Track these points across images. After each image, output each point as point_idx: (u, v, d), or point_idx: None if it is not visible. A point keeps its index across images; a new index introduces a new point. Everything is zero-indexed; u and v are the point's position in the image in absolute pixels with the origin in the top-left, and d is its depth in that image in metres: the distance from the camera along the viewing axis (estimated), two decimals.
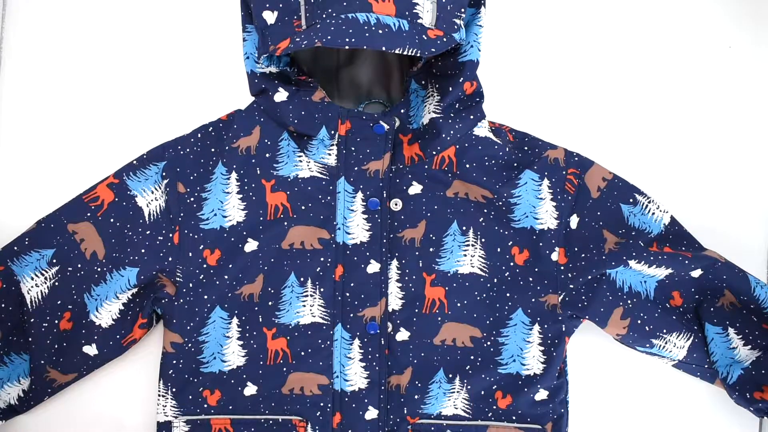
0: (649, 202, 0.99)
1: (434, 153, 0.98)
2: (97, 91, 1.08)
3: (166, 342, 0.97)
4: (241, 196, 0.98)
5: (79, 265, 0.97)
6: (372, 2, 0.87)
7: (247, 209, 0.98)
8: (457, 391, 0.97)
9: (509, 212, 0.98)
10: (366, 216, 0.98)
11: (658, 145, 1.07)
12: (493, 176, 0.98)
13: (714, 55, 1.09)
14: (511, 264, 0.99)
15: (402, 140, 0.99)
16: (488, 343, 0.98)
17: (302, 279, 0.97)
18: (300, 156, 0.99)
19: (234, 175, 0.98)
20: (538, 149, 1.00)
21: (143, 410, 1.02)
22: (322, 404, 0.96)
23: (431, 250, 0.98)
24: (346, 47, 0.86)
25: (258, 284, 0.98)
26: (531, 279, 0.98)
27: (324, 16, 0.87)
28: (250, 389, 0.97)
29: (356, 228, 0.97)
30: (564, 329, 0.98)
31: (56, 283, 0.96)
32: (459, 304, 0.98)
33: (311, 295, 0.97)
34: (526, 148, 1.00)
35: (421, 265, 0.98)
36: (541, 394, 0.97)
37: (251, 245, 0.98)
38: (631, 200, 0.99)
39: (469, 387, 0.97)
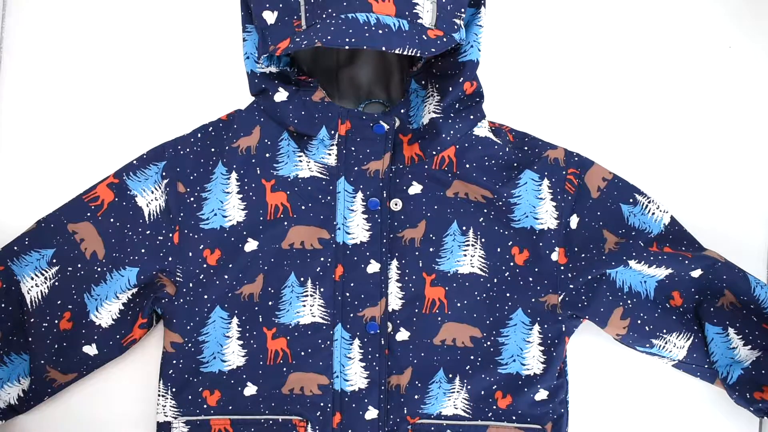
0: (649, 202, 0.99)
1: (434, 153, 0.98)
2: (97, 91, 1.08)
3: (166, 342, 0.97)
4: (241, 195, 0.98)
5: (79, 265, 0.96)
6: (372, 2, 0.87)
7: (247, 209, 0.98)
8: (457, 391, 0.97)
9: (509, 212, 0.98)
10: (366, 216, 0.98)
11: (658, 145, 1.08)
12: (493, 176, 0.98)
13: (714, 55, 1.09)
14: (511, 264, 0.99)
15: (402, 140, 0.99)
16: (488, 343, 0.98)
17: (302, 279, 0.97)
18: (300, 156, 0.99)
19: (234, 174, 0.98)
20: (538, 149, 1.00)
21: (143, 410, 1.02)
22: (322, 404, 0.96)
23: (431, 250, 0.98)
24: (346, 47, 0.86)
25: (258, 284, 0.98)
26: (531, 279, 0.98)
27: (324, 16, 0.87)
28: (250, 389, 0.97)
29: (356, 228, 0.97)
30: (564, 329, 0.98)
31: (56, 283, 0.96)
32: (459, 304, 0.98)
33: (311, 295, 0.97)
34: (526, 148, 1.00)
35: (421, 265, 0.98)
36: (541, 394, 0.97)
37: (251, 245, 0.98)
38: (631, 200, 0.99)
39: (469, 387, 0.97)
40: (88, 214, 0.97)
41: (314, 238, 0.98)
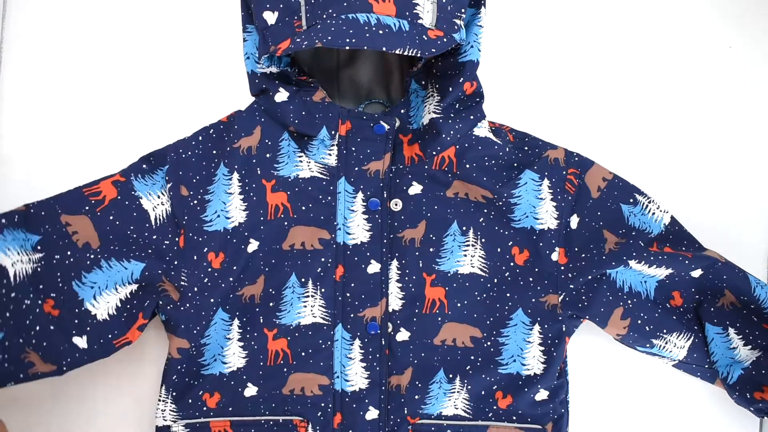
0: (650, 202, 0.99)
1: (434, 153, 0.98)
2: (98, 91, 1.08)
3: (172, 348, 0.96)
4: (242, 196, 0.98)
5: (69, 253, 0.93)
6: (372, 2, 0.87)
7: (247, 209, 0.98)
8: (458, 391, 0.97)
9: (509, 212, 0.98)
10: (366, 216, 0.98)
11: (658, 145, 1.08)
12: (493, 176, 0.98)
13: (714, 55, 1.09)
14: (511, 264, 0.99)
15: (402, 140, 0.99)
16: (488, 343, 0.98)
17: (303, 279, 0.97)
18: (300, 156, 0.99)
19: (236, 175, 0.98)
20: (538, 149, 1.00)
21: (141, 415, 1.02)
22: (323, 405, 0.96)
23: (431, 250, 0.98)
24: (347, 48, 0.86)
25: (259, 285, 0.97)
26: (531, 279, 0.98)
27: (324, 16, 0.87)
28: (251, 390, 0.97)
29: (356, 228, 0.97)
30: (564, 329, 0.98)
31: (39, 269, 0.92)
32: (459, 305, 0.98)
33: (312, 296, 0.97)
34: (526, 148, 1.00)
35: (421, 265, 0.98)
36: (542, 395, 0.97)
37: (252, 245, 0.98)
38: (631, 200, 0.99)
39: (469, 387, 0.97)
40: (87, 208, 0.95)
41: (315, 238, 0.98)
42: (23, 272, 0.90)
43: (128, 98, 1.08)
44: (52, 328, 0.92)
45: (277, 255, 0.97)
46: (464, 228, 0.99)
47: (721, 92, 1.09)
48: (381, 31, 0.86)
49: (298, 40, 0.87)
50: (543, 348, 0.98)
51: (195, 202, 0.97)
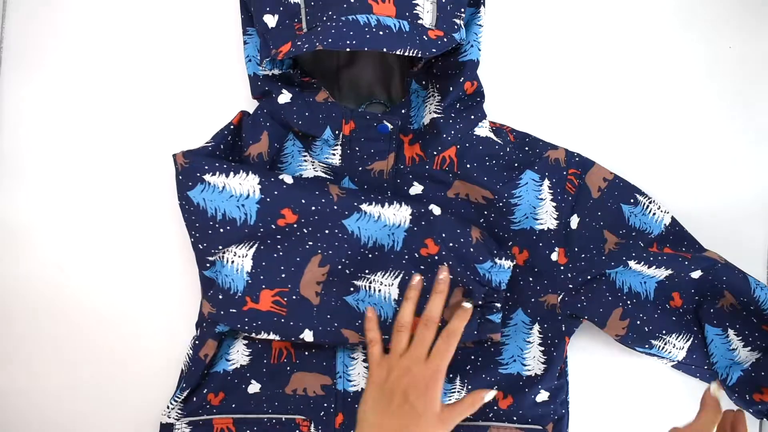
0: (650, 203, 0.99)
1: (435, 153, 0.98)
2: (98, 91, 1.08)
3: (201, 352, 0.96)
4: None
5: None
6: (372, 3, 0.86)
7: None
8: (458, 392, 0.97)
9: (510, 214, 0.99)
10: None
11: (659, 145, 1.07)
12: (494, 176, 0.98)
13: (714, 55, 1.09)
14: None
15: (403, 140, 0.99)
16: (489, 343, 0.98)
17: None
18: (305, 156, 0.99)
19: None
20: (538, 149, 1.00)
21: (146, 414, 1.03)
22: (325, 404, 0.97)
23: None
24: (348, 49, 0.86)
25: None
26: (531, 279, 0.99)
27: (324, 18, 0.87)
28: (254, 387, 0.98)
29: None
30: (564, 329, 0.98)
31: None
32: None
33: None
34: (526, 148, 1.00)
35: None
36: (542, 395, 0.98)
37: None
38: (631, 200, 0.99)
39: (469, 387, 0.97)
40: None
41: None
42: None
43: (128, 99, 1.08)
44: None
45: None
46: None
47: (721, 92, 1.08)
48: (381, 32, 0.86)
49: (299, 43, 0.87)
50: (543, 348, 0.98)
51: None
